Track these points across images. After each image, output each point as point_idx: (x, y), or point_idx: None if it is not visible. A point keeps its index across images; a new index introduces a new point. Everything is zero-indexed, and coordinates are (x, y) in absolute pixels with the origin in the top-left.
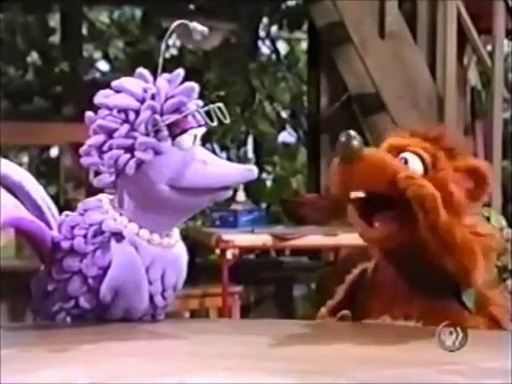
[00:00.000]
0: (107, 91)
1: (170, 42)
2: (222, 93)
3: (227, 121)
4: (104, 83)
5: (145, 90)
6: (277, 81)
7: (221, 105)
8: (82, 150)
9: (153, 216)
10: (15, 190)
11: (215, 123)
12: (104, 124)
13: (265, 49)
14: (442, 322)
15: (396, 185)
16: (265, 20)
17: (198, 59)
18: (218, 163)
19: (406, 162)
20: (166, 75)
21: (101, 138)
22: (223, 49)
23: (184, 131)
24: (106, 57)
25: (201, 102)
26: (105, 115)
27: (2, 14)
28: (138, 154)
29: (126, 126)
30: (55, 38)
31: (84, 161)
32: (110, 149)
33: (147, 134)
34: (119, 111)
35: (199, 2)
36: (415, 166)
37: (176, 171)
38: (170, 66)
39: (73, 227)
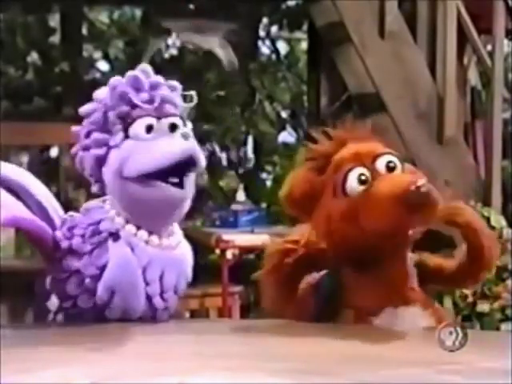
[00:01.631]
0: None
1: (170, 41)
2: (222, 93)
3: (192, 103)
4: (104, 83)
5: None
6: (277, 81)
7: (191, 92)
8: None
9: (130, 214)
10: (20, 192)
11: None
12: (74, 130)
13: (265, 49)
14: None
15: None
16: (265, 20)
17: (198, 59)
18: (157, 145)
19: (394, 166)
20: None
21: (76, 146)
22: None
23: (132, 121)
24: (106, 57)
25: (161, 92)
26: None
27: (2, 14)
28: (92, 150)
29: (86, 128)
30: (55, 38)
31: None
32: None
33: (101, 131)
34: (84, 115)
35: (199, 2)
36: (399, 167)
37: (121, 161)
38: (170, 65)
39: (73, 227)
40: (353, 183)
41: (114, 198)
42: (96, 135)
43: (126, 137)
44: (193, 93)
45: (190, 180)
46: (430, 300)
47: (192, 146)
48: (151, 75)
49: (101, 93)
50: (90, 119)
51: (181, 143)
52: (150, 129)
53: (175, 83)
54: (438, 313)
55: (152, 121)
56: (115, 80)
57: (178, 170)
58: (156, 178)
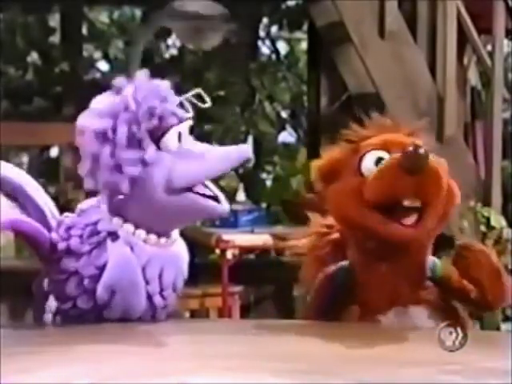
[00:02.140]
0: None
1: (170, 41)
2: (221, 93)
3: (207, 104)
4: (104, 83)
5: (119, 104)
6: (277, 81)
7: (198, 90)
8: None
9: (162, 224)
10: (16, 193)
11: (190, 114)
12: (88, 150)
13: (265, 49)
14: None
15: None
16: (265, 20)
17: (198, 59)
18: (210, 152)
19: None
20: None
21: (88, 163)
22: (223, 49)
23: (164, 133)
24: (106, 57)
25: (176, 98)
26: (88, 140)
27: (2, 14)
28: (126, 170)
29: (108, 147)
30: (55, 38)
31: (85, 185)
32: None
33: (130, 148)
34: (97, 134)
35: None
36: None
37: (168, 175)
38: (169, 66)
39: (70, 228)
40: (368, 164)
41: (145, 212)
42: (126, 154)
43: (157, 149)
44: (199, 91)
45: (214, 187)
46: (442, 301)
47: (247, 148)
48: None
49: (112, 108)
50: (109, 136)
51: (231, 151)
52: (179, 137)
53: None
54: (453, 314)
55: (179, 129)
56: (132, 91)
57: None
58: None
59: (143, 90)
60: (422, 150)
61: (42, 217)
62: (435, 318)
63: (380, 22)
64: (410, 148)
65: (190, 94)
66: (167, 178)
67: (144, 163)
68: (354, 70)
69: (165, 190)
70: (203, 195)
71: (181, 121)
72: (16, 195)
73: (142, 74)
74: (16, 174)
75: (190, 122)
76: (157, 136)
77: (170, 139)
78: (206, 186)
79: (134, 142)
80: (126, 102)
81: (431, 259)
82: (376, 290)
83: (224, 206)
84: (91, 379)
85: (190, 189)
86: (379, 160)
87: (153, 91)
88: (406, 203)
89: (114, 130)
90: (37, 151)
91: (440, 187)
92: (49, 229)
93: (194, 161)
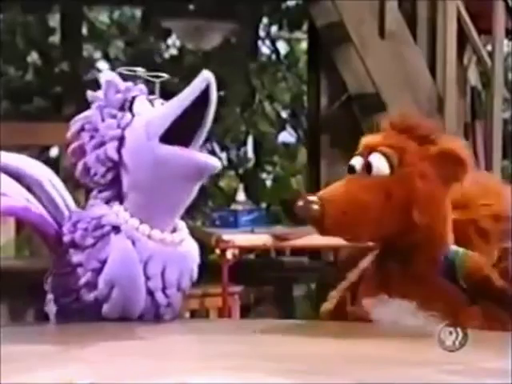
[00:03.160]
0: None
1: (170, 41)
2: (221, 93)
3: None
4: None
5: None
6: (277, 81)
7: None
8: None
9: (160, 198)
10: (31, 184)
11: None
12: (71, 149)
13: (265, 49)
14: (435, 302)
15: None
16: (265, 20)
17: (198, 59)
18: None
19: (370, 167)
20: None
21: (79, 163)
22: (223, 49)
23: (132, 102)
24: (105, 57)
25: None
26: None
27: (2, 14)
28: (107, 137)
29: (87, 133)
30: (55, 38)
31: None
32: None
33: (105, 121)
34: (77, 133)
35: (199, 1)
36: (380, 167)
37: (145, 127)
38: (170, 65)
39: (77, 221)
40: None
41: (137, 174)
42: (104, 124)
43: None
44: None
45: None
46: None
47: (206, 76)
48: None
49: (83, 114)
50: (84, 130)
51: (191, 84)
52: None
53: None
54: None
55: (148, 97)
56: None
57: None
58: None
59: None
60: (301, 203)
61: (55, 209)
62: (421, 314)
63: (380, 22)
64: (299, 203)
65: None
66: (144, 130)
67: (121, 128)
68: (353, 70)
69: (146, 139)
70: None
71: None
72: (32, 187)
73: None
74: (31, 165)
75: (156, 86)
76: (128, 106)
77: (140, 105)
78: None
79: (109, 117)
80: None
81: (452, 249)
82: (374, 276)
83: (215, 160)
84: (91, 379)
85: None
86: (349, 167)
87: (109, 85)
88: None
89: (90, 122)
90: (37, 151)
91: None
92: (61, 222)
93: (163, 108)
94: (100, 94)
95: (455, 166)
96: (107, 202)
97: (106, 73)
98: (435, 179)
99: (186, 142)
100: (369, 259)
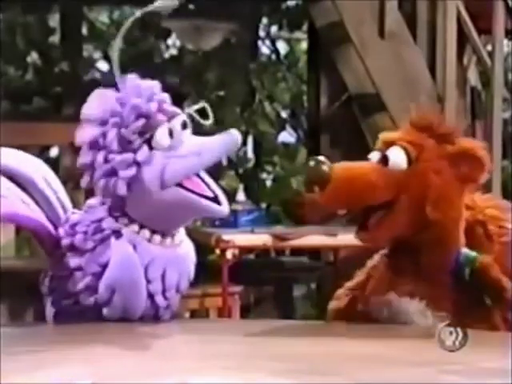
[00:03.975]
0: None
1: (170, 41)
2: (221, 93)
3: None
4: (104, 83)
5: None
6: (277, 81)
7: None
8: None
9: (163, 223)
10: (27, 185)
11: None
12: (82, 162)
13: (265, 49)
14: (443, 302)
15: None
16: (265, 20)
17: (198, 59)
18: (197, 143)
19: (386, 160)
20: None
21: (87, 176)
22: (223, 49)
23: (154, 131)
24: (105, 57)
25: (164, 96)
26: (83, 152)
27: (2, 14)
28: (121, 173)
29: (101, 154)
30: (55, 38)
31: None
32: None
33: (122, 151)
34: (90, 143)
35: (199, 1)
36: (398, 160)
37: (160, 172)
38: (170, 66)
39: (75, 224)
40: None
41: (143, 211)
42: (119, 156)
43: (150, 149)
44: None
45: (218, 189)
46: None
47: (235, 136)
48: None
49: (98, 116)
50: (100, 143)
51: (218, 140)
52: (170, 134)
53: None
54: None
55: (170, 125)
56: (112, 94)
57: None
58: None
59: (127, 91)
60: (312, 163)
61: (51, 210)
62: (426, 316)
63: (380, 23)
64: (311, 162)
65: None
66: (159, 175)
67: (137, 164)
68: (353, 70)
69: (159, 188)
70: (200, 195)
71: (170, 117)
72: (27, 188)
73: (130, 76)
74: (29, 165)
75: (183, 117)
76: (147, 135)
77: (160, 137)
78: (209, 187)
79: (126, 144)
80: (113, 106)
81: (463, 252)
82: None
83: (221, 207)
84: (91, 379)
85: (184, 187)
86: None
87: (137, 91)
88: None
89: (105, 136)
90: (37, 151)
91: (357, 194)
92: (58, 224)
93: (186, 156)
94: (116, 106)
95: (472, 166)
96: (109, 210)
97: (130, 81)
98: (451, 178)
99: None
100: (377, 258)
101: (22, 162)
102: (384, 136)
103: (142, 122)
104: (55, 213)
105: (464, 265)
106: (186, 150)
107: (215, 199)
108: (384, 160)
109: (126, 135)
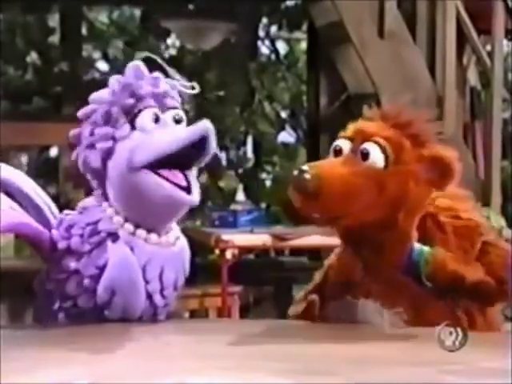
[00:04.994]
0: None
1: (170, 42)
2: (221, 93)
3: (195, 90)
4: (104, 83)
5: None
6: (276, 81)
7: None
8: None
9: (129, 210)
10: (14, 193)
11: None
12: (71, 134)
13: (264, 49)
14: (400, 300)
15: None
16: (264, 20)
17: (198, 59)
18: (169, 131)
19: (366, 155)
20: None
21: (76, 150)
22: (223, 49)
23: (138, 113)
24: (105, 57)
25: (166, 85)
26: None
27: (2, 14)
28: (98, 145)
29: (89, 127)
30: (55, 38)
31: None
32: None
33: (106, 126)
34: (83, 118)
35: (199, 1)
36: (376, 158)
37: (130, 151)
38: (169, 66)
39: (71, 226)
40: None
41: (117, 192)
42: (101, 130)
43: (133, 129)
44: (193, 84)
45: (195, 181)
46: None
47: (204, 126)
48: (146, 72)
49: (98, 95)
50: (91, 119)
51: (189, 128)
52: (156, 120)
53: (174, 81)
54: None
55: (158, 112)
56: (116, 77)
57: (185, 158)
58: (164, 167)
59: (127, 70)
60: (305, 175)
61: (40, 215)
62: (386, 312)
63: (380, 22)
64: (295, 172)
65: (179, 81)
66: (129, 154)
67: (114, 139)
68: (353, 70)
69: (127, 167)
70: (172, 183)
71: (164, 108)
72: (15, 195)
73: (135, 63)
74: (13, 174)
75: (178, 111)
76: (132, 115)
77: (143, 119)
78: (186, 177)
79: (111, 121)
80: (113, 85)
81: (416, 248)
82: (340, 275)
83: (190, 196)
84: (91, 379)
85: (159, 174)
86: (335, 148)
87: (136, 74)
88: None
89: (96, 112)
90: (37, 151)
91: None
92: (49, 227)
93: (157, 142)
94: (115, 85)
95: (445, 175)
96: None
97: (133, 64)
98: (425, 183)
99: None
100: (332, 257)
101: (6, 171)
102: (358, 126)
103: (131, 101)
104: (45, 217)
105: (418, 261)
106: (159, 136)
107: (188, 189)
108: (363, 154)
109: (113, 112)
